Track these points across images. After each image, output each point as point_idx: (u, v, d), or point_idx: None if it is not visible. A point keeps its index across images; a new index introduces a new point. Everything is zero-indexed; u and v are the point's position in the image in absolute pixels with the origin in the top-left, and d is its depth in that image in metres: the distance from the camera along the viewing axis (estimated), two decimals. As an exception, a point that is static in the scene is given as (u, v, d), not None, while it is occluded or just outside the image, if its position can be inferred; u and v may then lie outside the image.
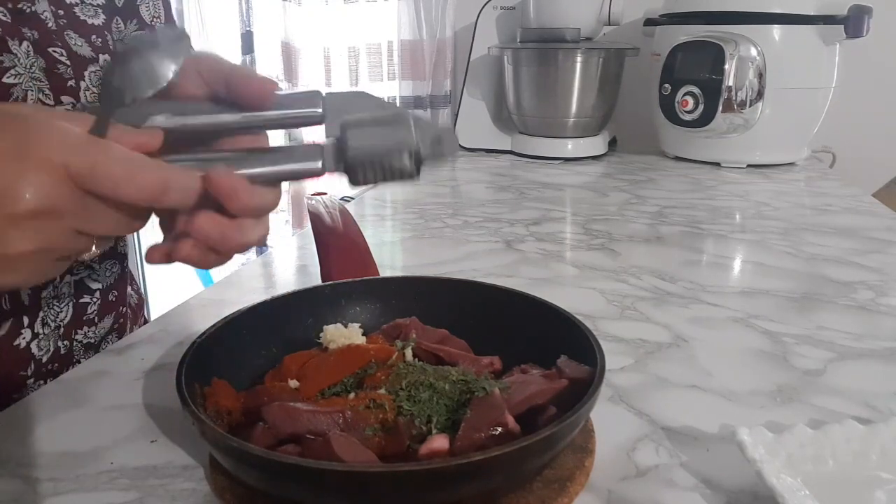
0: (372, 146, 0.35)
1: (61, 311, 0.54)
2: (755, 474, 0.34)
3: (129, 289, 0.65)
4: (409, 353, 0.44)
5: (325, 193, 0.66)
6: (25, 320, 0.52)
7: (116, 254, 0.60)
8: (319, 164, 0.36)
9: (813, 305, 0.63)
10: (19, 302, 0.51)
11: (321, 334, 0.46)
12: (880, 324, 0.59)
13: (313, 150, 0.36)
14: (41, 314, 0.53)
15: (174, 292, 0.73)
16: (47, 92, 0.49)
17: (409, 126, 0.36)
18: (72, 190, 0.30)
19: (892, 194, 1.44)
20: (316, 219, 0.60)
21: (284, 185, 0.37)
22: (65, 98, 0.50)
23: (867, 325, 0.59)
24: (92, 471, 0.39)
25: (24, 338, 0.51)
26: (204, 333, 0.42)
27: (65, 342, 0.55)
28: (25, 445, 0.41)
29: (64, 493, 0.37)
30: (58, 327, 0.54)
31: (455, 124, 1.48)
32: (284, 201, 2.12)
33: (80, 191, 0.30)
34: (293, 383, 0.41)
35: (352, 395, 0.39)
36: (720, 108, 1.19)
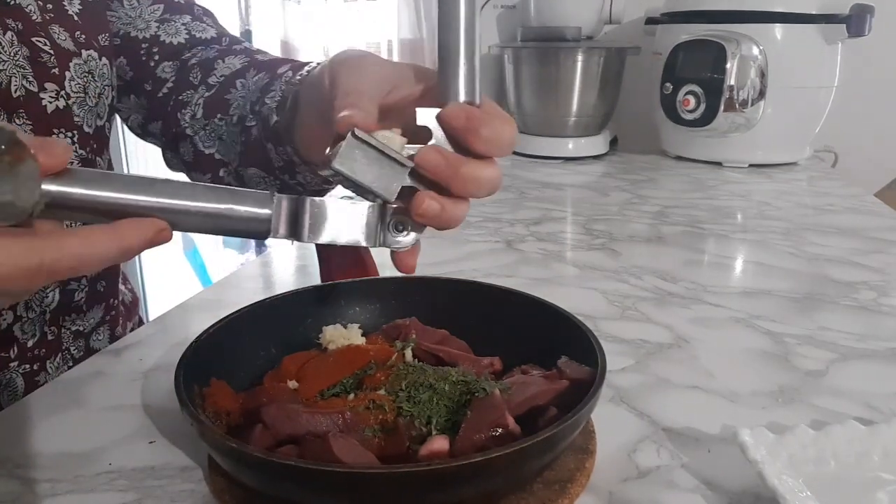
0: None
1: (46, 297, 0.54)
2: (757, 475, 0.34)
3: (121, 285, 0.65)
4: (408, 353, 0.44)
5: (324, 193, 0.66)
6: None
7: None
8: (268, 212, 0.33)
9: (815, 306, 0.63)
10: None
11: (320, 335, 0.46)
12: (882, 324, 0.59)
13: (263, 197, 0.33)
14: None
15: (173, 292, 0.72)
16: (31, 79, 0.49)
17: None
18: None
19: (895, 194, 1.43)
20: (316, 218, 0.60)
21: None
22: (49, 85, 0.50)
23: (869, 325, 0.59)
24: (90, 472, 0.38)
25: (5, 319, 0.51)
26: (203, 334, 0.42)
27: (52, 328, 0.55)
28: (23, 446, 0.41)
29: (62, 494, 0.37)
30: (43, 312, 0.54)
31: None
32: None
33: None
34: (292, 384, 0.41)
35: (351, 396, 0.39)
36: (722, 107, 1.18)
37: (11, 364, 0.52)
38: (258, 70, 0.55)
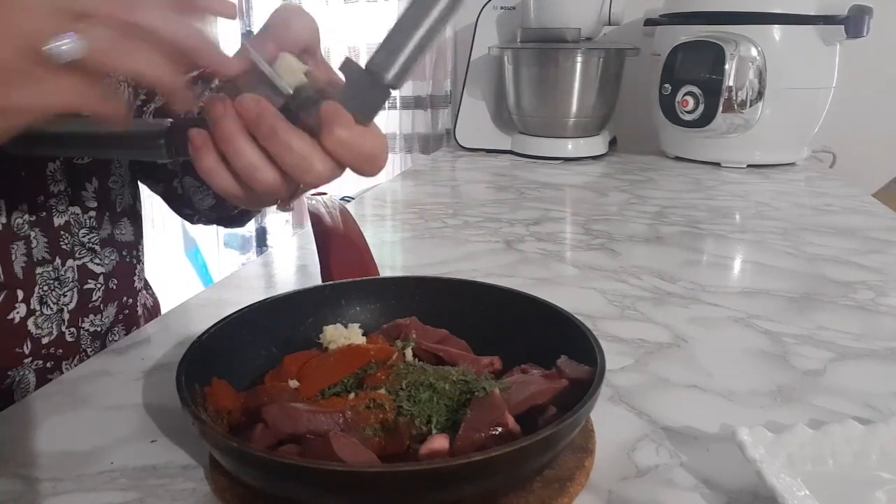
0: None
1: (64, 296, 0.55)
2: (755, 474, 0.34)
3: (137, 284, 0.65)
4: (409, 353, 0.44)
5: (325, 193, 0.66)
6: (20, 294, 0.51)
7: (114, 241, 0.60)
8: (162, 142, 0.37)
9: (813, 305, 0.63)
10: (12, 273, 0.51)
11: (321, 334, 0.46)
12: (880, 324, 0.59)
13: (158, 128, 0.38)
14: (37, 290, 0.53)
15: (174, 292, 0.73)
16: None
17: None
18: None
19: (893, 194, 1.44)
20: (316, 219, 0.60)
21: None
22: None
23: (867, 325, 0.59)
24: (92, 471, 0.39)
25: (18, 312, 0.51)
26: (204, 333, 0.42)
27: (71, 329, 0.56)
28: (25, 445, 0.41)
29: (64, 494, 0.37)
30: (60, 310, 0.55)
31: (455, 124, 1.48)
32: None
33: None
34: (293, 383, 0.41)
35: (352, 396, 0.39)
36: (720, 108, 1.19)
37: (25, 360, 0.52)
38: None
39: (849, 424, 0.38)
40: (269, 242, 2.14)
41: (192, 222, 0.72)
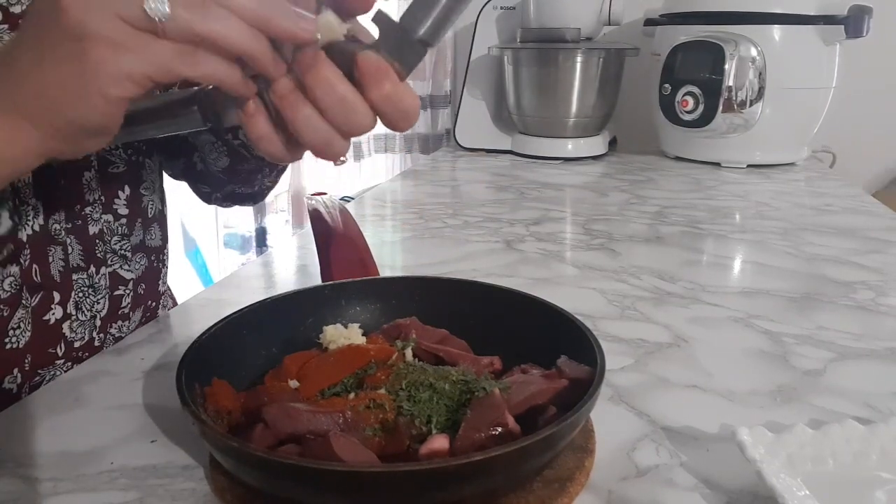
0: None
1: (98, 303, 0.56)
2: (755, 474, 0.34)
3: (161, 288, 0.66)
4: (409, 353, 0.44)
5: (325, 193, 0.66)
6: (56, 296, 0.52)
7: (145, 247, 0.61)
8: (195, 108, 0.37)
9: (813, 305, 0.63)
10: (48, 276, 0.52)
11: (321, 334, 0.46)
12: (880, 324, 0.59)
13: (188, 95, 0.38)
14: (73, 296, 0.54)
15: (174, 292, 0.73)
16: None
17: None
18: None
19: (893, 194, 1.44)
20: (316, 219, 0.60)
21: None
22: None
23: (867, 325, 0.59)
24: (92, 471, 0.39)
25: (53, 314, 0.52)
26: (204, 333, 0.42)
27: (100, 335, 0.57)
28: (25, 445, 0.41)
29: (64, 493, 0.37)
30: (94, 317, 0.56)
31: (455, 124, 1.48)
32: (284, 201, 2.12)
33: None
34: (293, 383, 0.41)
35: (352, 396, 0.39)
36: (720, 108, 1.19)
37: (57, 361, 0.53)
38: None
39: (849, 424, 0.38)
40: (269, 242, 2.14)
41: (210, 202, 0.72)
